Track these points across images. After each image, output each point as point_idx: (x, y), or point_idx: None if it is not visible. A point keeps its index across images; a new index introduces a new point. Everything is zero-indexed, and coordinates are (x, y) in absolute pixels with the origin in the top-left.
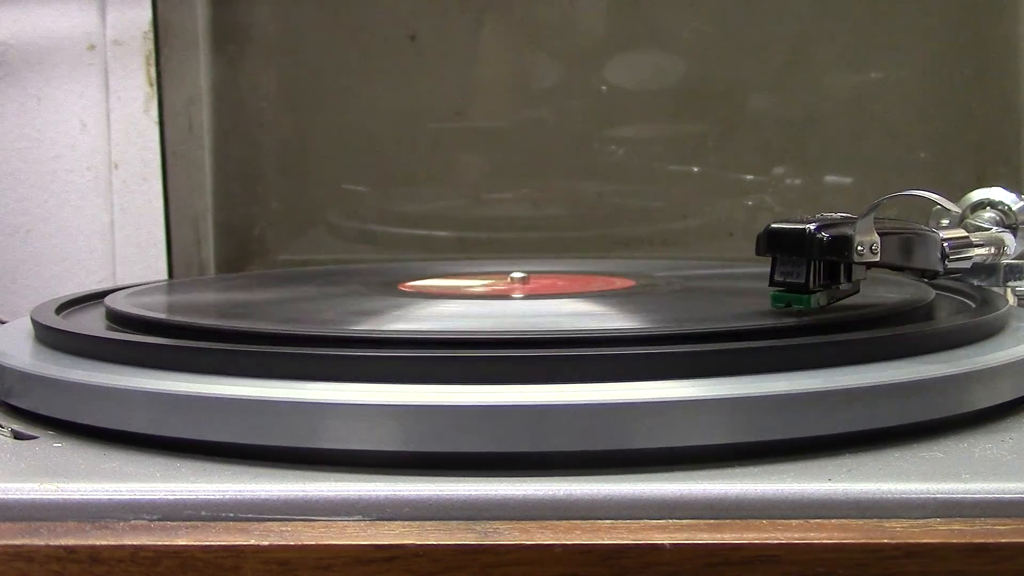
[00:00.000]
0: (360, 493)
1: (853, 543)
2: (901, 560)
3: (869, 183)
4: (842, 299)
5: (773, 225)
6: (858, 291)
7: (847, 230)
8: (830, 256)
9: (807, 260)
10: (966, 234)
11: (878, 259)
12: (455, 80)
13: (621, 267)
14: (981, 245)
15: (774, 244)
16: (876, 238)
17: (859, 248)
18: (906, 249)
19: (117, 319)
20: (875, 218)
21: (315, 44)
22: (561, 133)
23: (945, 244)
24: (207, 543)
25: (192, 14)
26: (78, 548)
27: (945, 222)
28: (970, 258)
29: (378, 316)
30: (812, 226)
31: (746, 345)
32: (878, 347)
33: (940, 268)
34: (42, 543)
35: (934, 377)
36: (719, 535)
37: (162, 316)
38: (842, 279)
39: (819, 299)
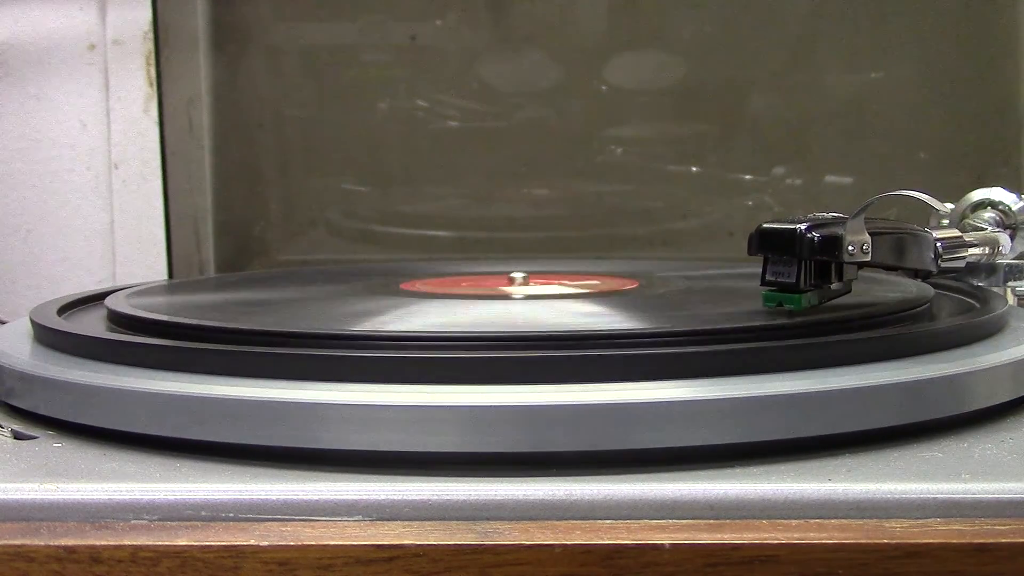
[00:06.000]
0: (360, 493)
1: (853, 543)
2: (901, 560)
3: (869, 183)
4: (833, 299)
5: (764, 225)
6: (850, 291)
7: (837, 230)
8: (820, 256)
9: (798, 260)
10: (960, 234)
11: (869, 259)
12: (455, 80)
13: (621, 267)
14: (975, 245)
15: (765, 244)
16: (867, 238)
17: (850, 248)
18: (898, 249)
19: (117, 320)
20: (868, 218)
21: (315, 44)
22: (561, 133)
23: (938, 244)
24: (207, 543)
25: (192, 14)
26: (78, 548)
27: (945, 222)
28: (964, 258)
29: (378, 316)
30: (803, 226)
31: (746, 345)
32: (878, 347)
33: (933, 268)
34: (42, 543)
35: (934, 377)
36: (719, 535)
37: (162, 317)
38: (833, 279)
39: (810, 299)
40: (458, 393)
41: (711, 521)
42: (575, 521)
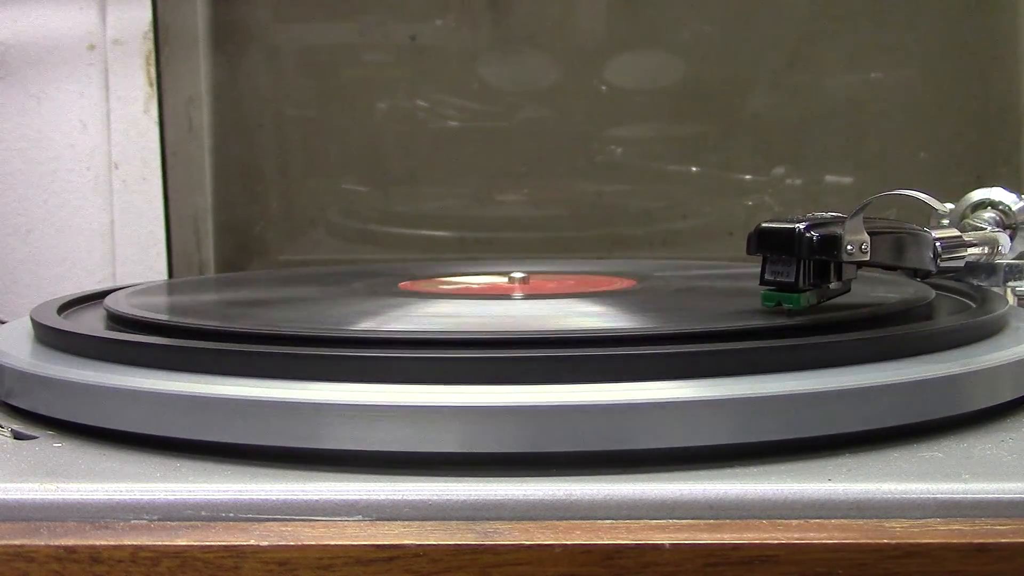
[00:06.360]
0: (360, 493)
1: (853, 543)
2: (901, 560)
3: (869, 183)
4: (832, 298)
5: (763, 224)
6: (849, 290)
7: (836, 229)
8: (819, 255)
9: (797, 259)
10: (959, 234)
11: (868, 258)
12: (455, 80)
13: (621, 267)
14: (974, 245)
15: (764, 243)
16: (866, 237)
17: (848, 247)
18: (897, 248)
19: (117, 319)
20: (867, 218)
21: (315, 44)
22: (561, 133)
23: (938, 243)
24: (207, 543)
25: (192, 14)
26: (78, 548)
27: (945, 222)
28: (963, 257)
29: (378, 316)
30: (801, 225)
31: (746, 345)
32: (878, 347)
33: (932, 267)
34: (42, 543)
35: (934, 377)
36: (719, 535)
37: (162, 316)
38: (832, 278)
39: (809, 298)
40: (458, 393)
41: (711, 521)
42: (575, 521)
